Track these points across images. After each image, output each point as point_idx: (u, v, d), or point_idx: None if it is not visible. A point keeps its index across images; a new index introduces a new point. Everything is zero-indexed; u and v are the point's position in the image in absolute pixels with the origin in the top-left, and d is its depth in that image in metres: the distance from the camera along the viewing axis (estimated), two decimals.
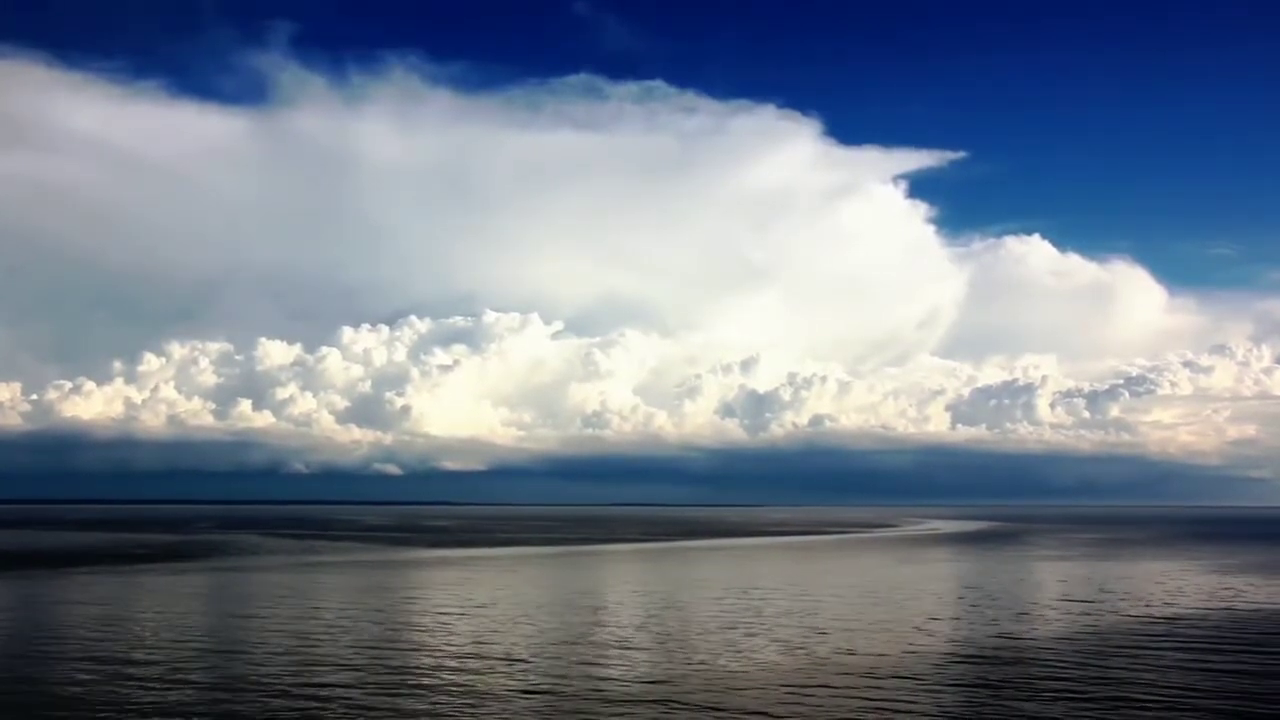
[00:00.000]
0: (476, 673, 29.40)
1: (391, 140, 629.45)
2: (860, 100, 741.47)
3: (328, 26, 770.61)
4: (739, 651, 33.40)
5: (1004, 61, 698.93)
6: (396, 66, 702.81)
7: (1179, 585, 58.41)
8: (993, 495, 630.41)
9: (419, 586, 58.87)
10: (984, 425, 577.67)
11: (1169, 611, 44.75)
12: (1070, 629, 39.07)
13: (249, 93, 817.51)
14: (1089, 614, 43.68)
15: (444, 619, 41.63)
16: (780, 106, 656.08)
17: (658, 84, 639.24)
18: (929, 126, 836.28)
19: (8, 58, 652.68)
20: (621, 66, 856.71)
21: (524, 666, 30.50)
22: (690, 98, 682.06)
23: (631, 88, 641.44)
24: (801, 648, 34.05)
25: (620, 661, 31.49)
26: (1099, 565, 77.55)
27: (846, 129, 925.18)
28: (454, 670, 29.80)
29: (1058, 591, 54.24)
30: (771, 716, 24.24)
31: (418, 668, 30.19)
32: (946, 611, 44.40)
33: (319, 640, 35.55)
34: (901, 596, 51.04)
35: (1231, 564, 78.75)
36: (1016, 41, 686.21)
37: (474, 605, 46.67)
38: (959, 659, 31.95)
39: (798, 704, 25.47)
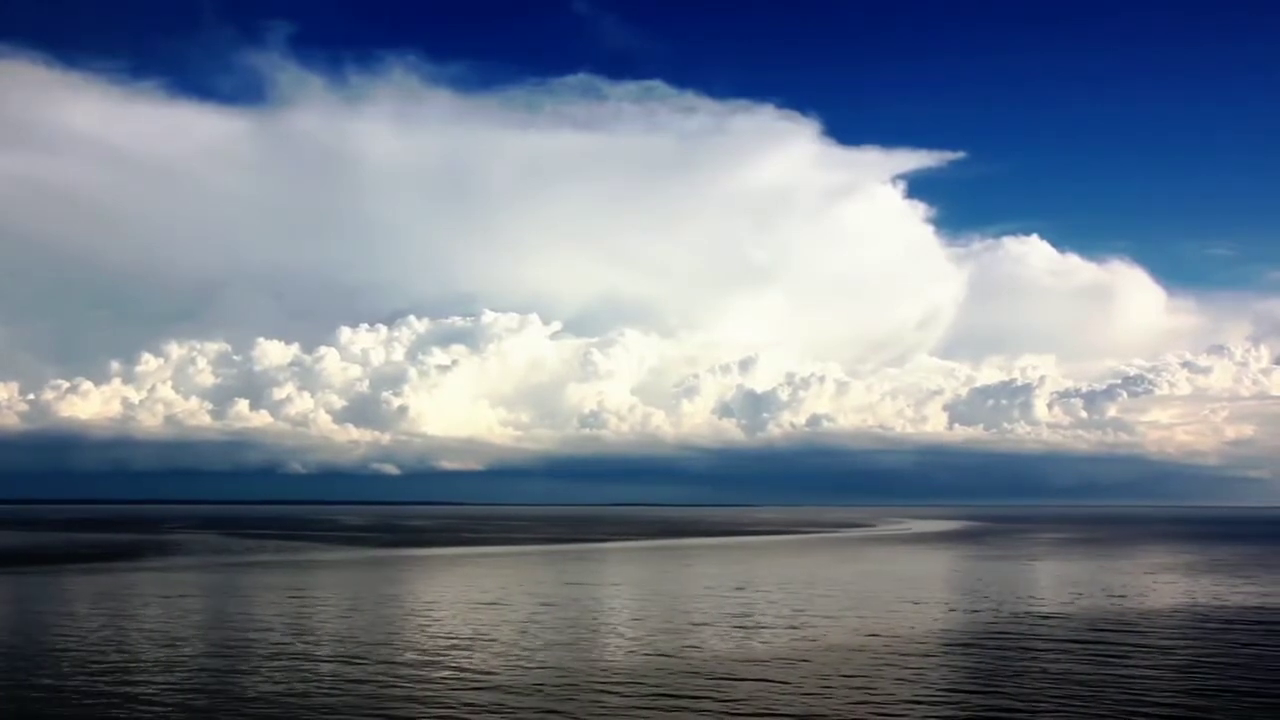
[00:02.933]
0: (318, 660, 30.04)
1: (391, 140, 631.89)
2: (860, 100, 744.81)
3: (326, 26, 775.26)
4: (585, 649, 33.98)
5: (1003, 62, 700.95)
6: (396, 66, 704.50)
7: (1091, 585, 58.83)
8: (991, 495, 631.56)
9: (332, 586, 59.33)
10: (982, 425, 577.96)
11: (1047, 610, 45.22)
12: (936, 627, 39.56)
13: (248, 93, 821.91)
14: (971, 611, 44.15)
15: (323, 618, 42.20)
16: (780, 106, 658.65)
17: (657, 84, 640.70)
18: (929, 126, 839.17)
19: (8, 58, 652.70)
20: (621, 66, 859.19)
21: (357, 663, 31.07)
22: (690, 98, 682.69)
23: (631, 88, 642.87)
24: (652, 644, 34.61)
25: (467, 660, 32.05)
26: (1030, 565, 78.13)
27: (846, 129, 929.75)
28: (294, 657, 30.40)
29: (962, 590, 54.67)
30: (576, 708, 24.82)
31: (261, 657, 30.83)
32: (817, 608, 44.71)
33: (181, 639, 36.22)
34: (793, 596, 51.41)
35: (1167, 563, 79.24)
36: (1016, 42, 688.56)
37: (369, 604, 47.30)
38: (791, 657, 32.48)
39: (603, 701, 26.04)
